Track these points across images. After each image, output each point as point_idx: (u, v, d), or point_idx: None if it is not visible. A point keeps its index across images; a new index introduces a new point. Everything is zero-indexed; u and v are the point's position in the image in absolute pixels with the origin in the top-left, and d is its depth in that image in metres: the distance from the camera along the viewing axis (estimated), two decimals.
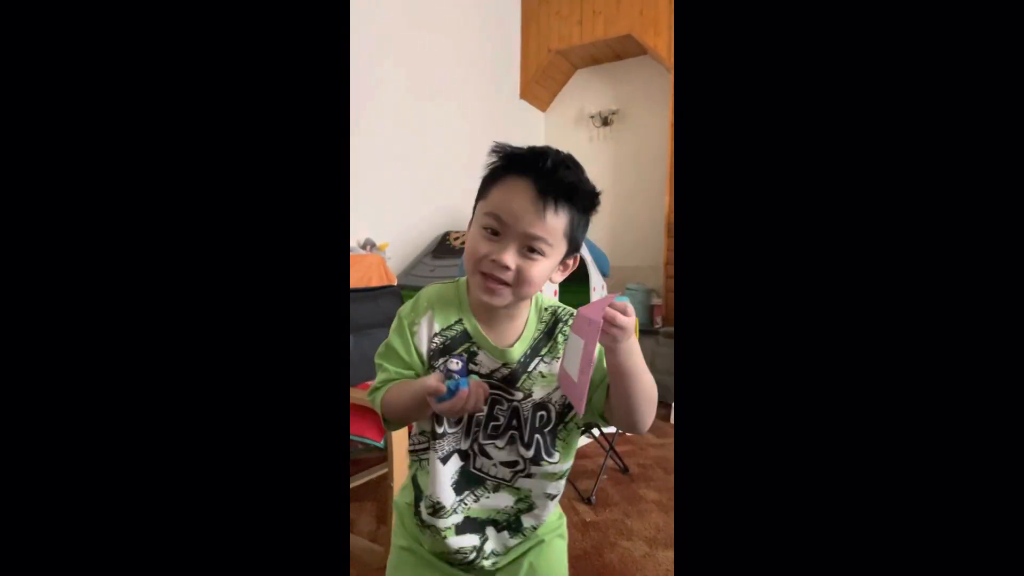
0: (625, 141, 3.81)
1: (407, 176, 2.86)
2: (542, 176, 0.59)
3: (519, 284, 0.61)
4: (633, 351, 0.56)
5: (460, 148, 3.15)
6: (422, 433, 0.68)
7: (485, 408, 0.65)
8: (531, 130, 3.95)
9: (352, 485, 1.76)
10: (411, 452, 0.70)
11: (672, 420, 2.71)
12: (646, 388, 0.58)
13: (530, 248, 0.60)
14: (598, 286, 2.37)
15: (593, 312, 0.53)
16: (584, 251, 2.60)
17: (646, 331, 3.28)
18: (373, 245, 2.52)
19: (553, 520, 0.74)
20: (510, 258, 0.59)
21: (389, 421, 0.67)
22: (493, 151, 0.63)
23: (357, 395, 1.46)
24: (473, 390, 0.56)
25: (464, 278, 0.69)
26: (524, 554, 0.72)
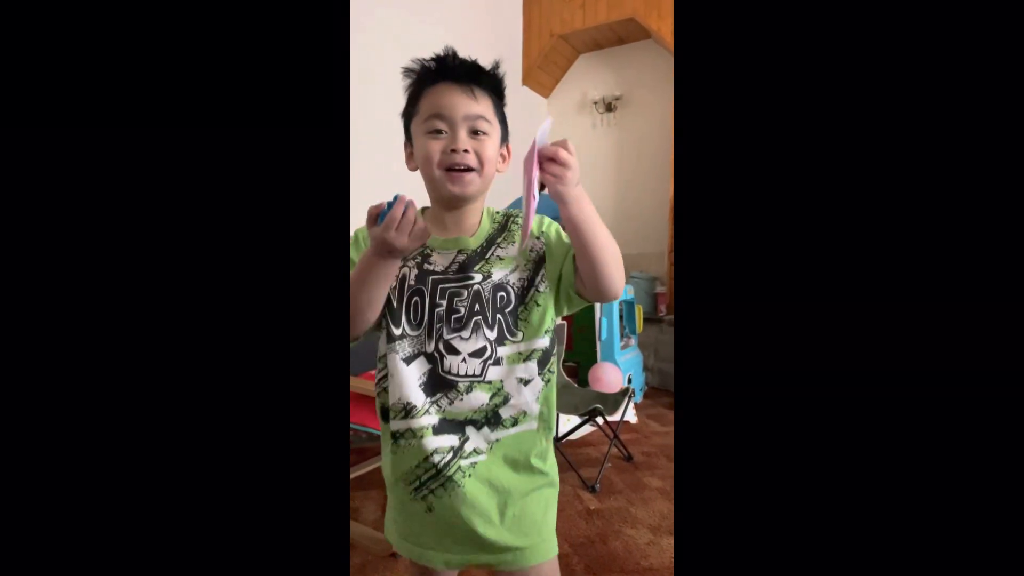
0: (629, 127, 3.77)
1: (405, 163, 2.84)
2: (454, 71, 0.67)
3: (481, 165, 0.66)
4: (583, 199, 0.59)
5: None
6: (380, 358, 0.69)
7: (443, 304, 0.67)
8: (534, 117, 3.91)
9: (356, 474, 1.77)
10: (376, 384, 0.71)
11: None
12: (605, 241, 0.61)
13: (474, 131, 0.66)
14: None
15: (535, 149, 0.55)
16: None
17: (650, 319, 3.27)
18: None
19: (541, 446, 0.71)
20: (464, 142, 0.65)
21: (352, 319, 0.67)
22: (406, 73, 0.70)
23: (360, 384, 1.46)
24: (411, 202, 0.58)
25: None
26: (508, 493, 0.68)
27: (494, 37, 3.45)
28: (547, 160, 0.55)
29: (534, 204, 0.55)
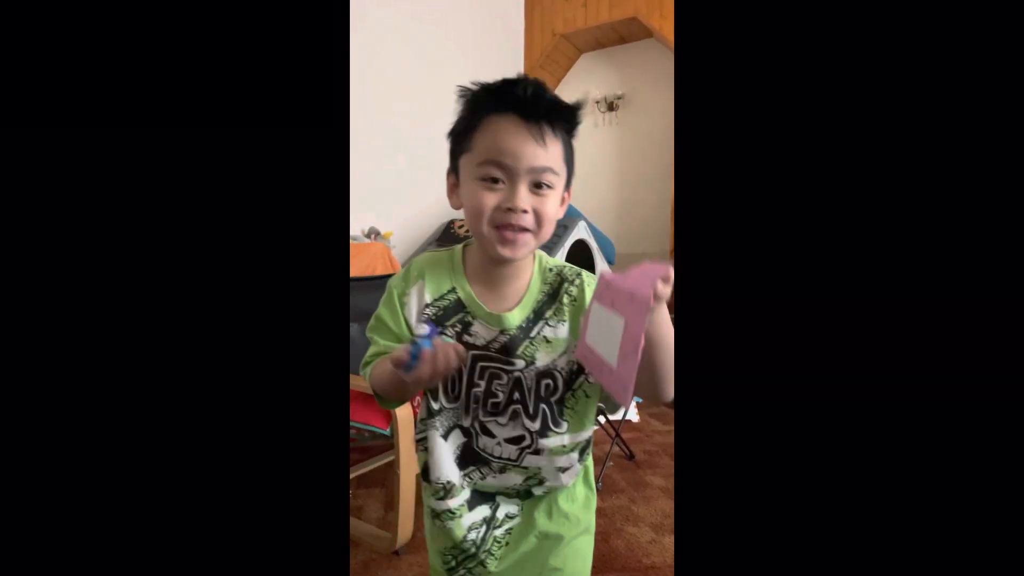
0: (631, 126, 3.77)
1: (411, 164, 2.85)
2: (526, 104, 0.54)
3: (539, 226, 0.56)
4: (665, 320, 0.50)
5: None
6: (422, 421, 0.65)
7: (481, 384, 0.60)
8: None
9: (360, 472, 1.78)
10: (417, 443, 0.67)
11: None
12: (671, 358, 0.52)
13: (537, 184, 0.55)
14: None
15: (637, 285, 0.44)
16: (589, 239, 2.59)
17: None
18: (377, 234, 2.52)
19: (577, 509, 0.67)
20: (524, 200, 0.54)
21: (381, 397, 0.63)
22: (461, 96, 0.57)
23: (361, 383, 1.46)
24: (439, 348, 0.50)
25: (460, 246, 0.65)
26: (538, 546, 0.66)
27: (495, 37, 3.45)
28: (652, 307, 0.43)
29: (637, 358, 0.42)
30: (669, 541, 1.48)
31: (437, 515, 0.65)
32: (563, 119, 0.56)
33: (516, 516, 0.65)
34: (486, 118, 0.56)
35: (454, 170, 0.61)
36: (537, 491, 0.65)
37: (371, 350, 0.64)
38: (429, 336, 0.51)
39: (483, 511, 0.65)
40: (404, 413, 1.34)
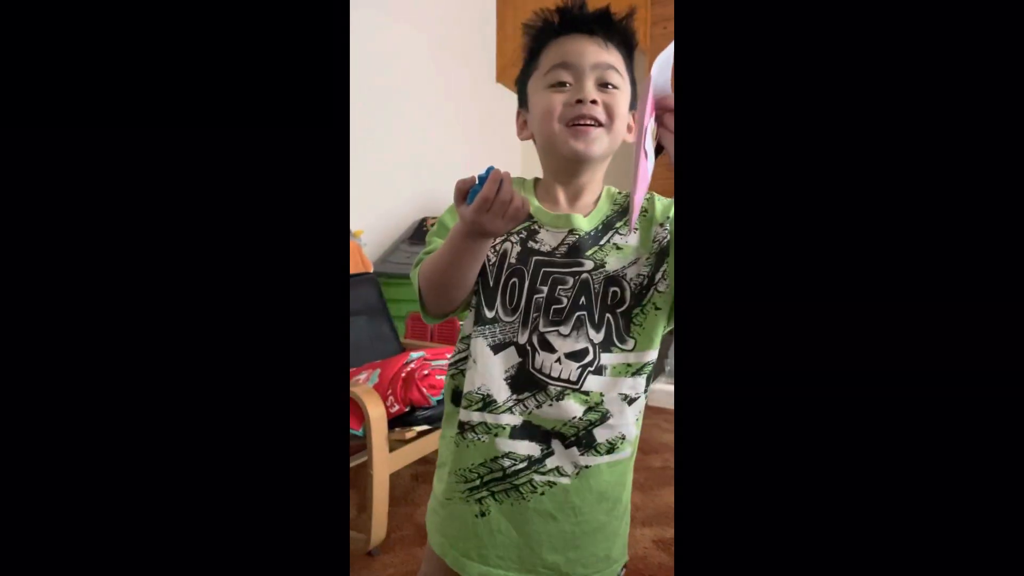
0: None
1: (382, 162, 2.82)
2: (582, 21, 0.58)
3: (609, 119, 0.57)
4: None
5: (435, 133, 3.10)
6: (463, 338, 0.60)
7: (544, 291, 0.56)
8: (508, 114, 3.91)
9: None
10: (450, 366, 0.62)
11: (649, 402, 2.76)
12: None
13: (603, 83, 0.58)
14: None
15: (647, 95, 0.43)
16: None
17: None
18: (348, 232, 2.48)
19: (626, 496, 0.62)
20: (592, 92, 0.56)
21: (425, 299, 0.59)
22: (527, 29, 0.62)
23: None
24: (506, 176, 0.48)
25: (530, 178, 0.65)
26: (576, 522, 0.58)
27: (467, 33, 3.43)
28: (668, 112, 0.44)
29: (646, 166, 0.42)
30: (640, 534, 1.51)
31: (467, 429, 0.58)
32: (619, 30, 0.60)
33: (567, 476, 0.57)
34: (550, 40, 0.59)
35: (523, 103, 0.64)
36: (600, 436, 0.57)
37: (426, 248, 0.63)
38: (491, 169, 0.49)
39: (530, 448, 0.57)
40: (377, 413, 1.33)
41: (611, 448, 0.58)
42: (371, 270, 2.24)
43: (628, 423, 0.59)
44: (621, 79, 0.59)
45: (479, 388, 0.57)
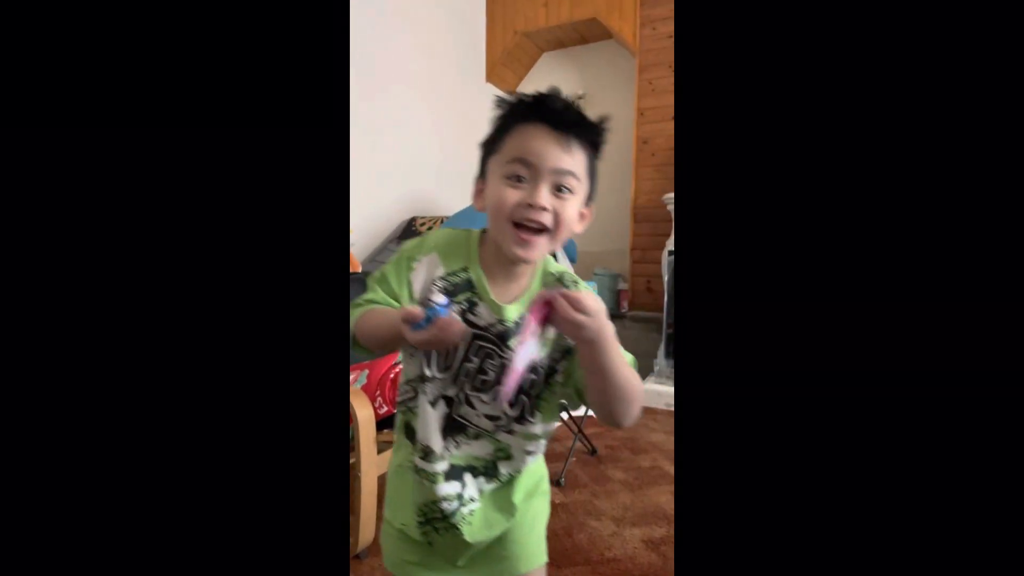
0: None
1: (371, 162, 2.79)
2: (555, 115, 0.59)
3: (556, 227, 0.59)
4: (604, 344, 0.53)
5: (425, 132, 3.09)
6: (408, 382, 0.67)
7: (475, 361, 0.63)
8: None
9: None
10: (399, 404, 0.69)
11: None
12: (623, 386, 0.56)
13: (559, 187, 0.59)
14: None
15: (533, 309, 0.51)
16: None
17: (613, 315, 3.31)
18: None
19: (535, 472, 0.71)
20: (545, 198, 0.58)
21: (356, 341, 0.65)
22: (498, 105, 0.63)
23: None
24: (451, 321, 0.53)
25: (478, 230, 0.68)
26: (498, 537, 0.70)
27: (457, 33, 3.42)
28: (558, 312, 0.49)
29: (526, 349, 0.50)
30: (629, 533, 1.51)
31: (419, 472, 0.66)
32: (589, 133, 0.61)
33: (476, 501, 0.68)
34: (517, 125, 0.60)
35: (482, 174, 0.65)
36: (503, 468, 0.68)
37: (366, 295, 0.66)
38: (446, 306, 0.54)
39: (455, 486, 0.67)
40: (365, 415, 1.31)
41: (509, 478, 0.69)
42: (359, 270, 2.22)
43: (526, 464, 0.69)
44: (577, 183, 0.61)
45: (421, 440, 0.65)
